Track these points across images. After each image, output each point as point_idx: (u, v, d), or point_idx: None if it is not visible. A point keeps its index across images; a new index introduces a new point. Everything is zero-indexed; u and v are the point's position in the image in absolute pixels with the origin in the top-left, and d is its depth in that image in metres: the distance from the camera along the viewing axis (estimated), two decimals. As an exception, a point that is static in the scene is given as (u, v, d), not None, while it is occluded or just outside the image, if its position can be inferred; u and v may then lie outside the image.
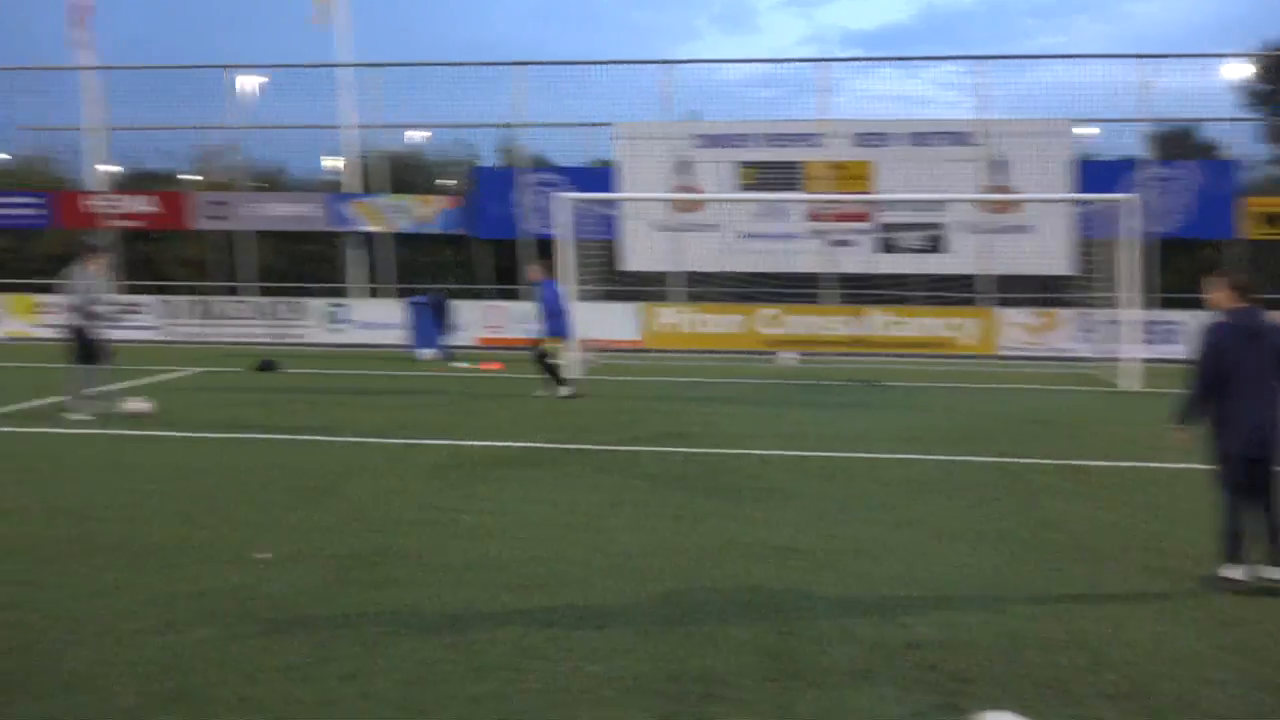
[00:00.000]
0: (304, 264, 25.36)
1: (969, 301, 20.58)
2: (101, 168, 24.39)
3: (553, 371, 13.09)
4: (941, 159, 20.74)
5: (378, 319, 21.08)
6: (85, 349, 11.27)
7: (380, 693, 4.08)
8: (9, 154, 28.42)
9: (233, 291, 23.04)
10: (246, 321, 21.66)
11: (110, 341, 11.64)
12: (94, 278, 11.53)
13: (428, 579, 5.55)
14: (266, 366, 16.29)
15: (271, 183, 26.40)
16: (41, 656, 4.39)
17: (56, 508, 7.06)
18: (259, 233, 23.77)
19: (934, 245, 21.02)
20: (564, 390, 12.90)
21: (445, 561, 5.87)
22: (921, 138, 20.92)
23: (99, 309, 11.46)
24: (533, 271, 13.90)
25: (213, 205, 23.00)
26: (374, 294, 22.66)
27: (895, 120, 21.18)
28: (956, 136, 20.82)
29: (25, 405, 12.09)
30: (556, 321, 13.20)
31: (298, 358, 18.40)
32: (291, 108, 23.45)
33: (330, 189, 24.59)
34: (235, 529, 6.52)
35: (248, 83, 23.87)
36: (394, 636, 4.69)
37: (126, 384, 14.02)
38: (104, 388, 11.57)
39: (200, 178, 26.85)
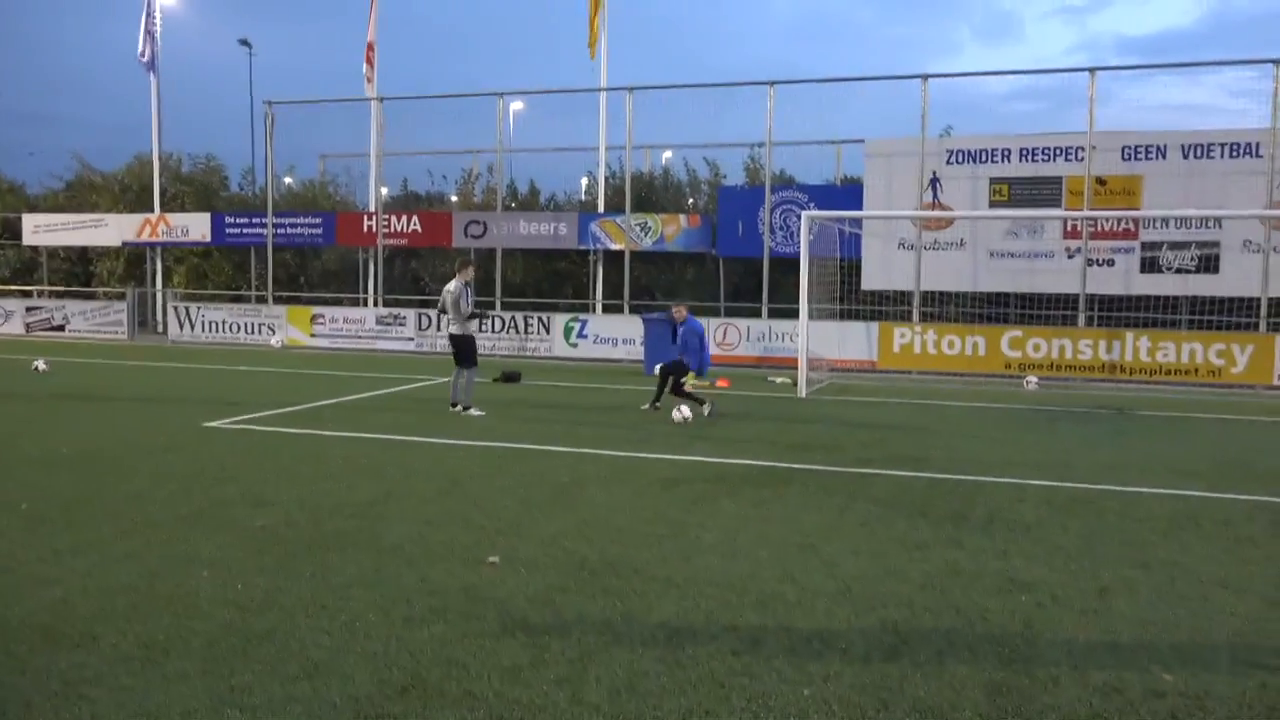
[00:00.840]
0: (553, 280, 26.51)
1: (1245, 326, 18.81)
2: (382, 190, 26.53)
3: (692, 397, 13.23)
4: (1222, 172, 19.11)
5: (615, 334, 21.68)
6: (465, 352, 12.98)
7: (590, 699, 4.18)
8: (300, 179, 31.53)
9: (486, 306, 24.37)
10: (494, 335, 22.84)
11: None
12: (466, 287, 13.14)
13: (647, 591, 5.64)
14: (509, 378, 17.11)
15: (527, 202, 27.80)
16: (292, 643, 4.78)
17: (312, 504, 7.68)
18: (514, 250, 25.05)
19: (1207, 265, 19.39)
20: (706, 409, 12.97)
21: (666, 575, 5.96)
22: (1199, 149, 19.35)
23: (468, 316, 13.11)
24: (678, 312, 13.98)
25: (472, 225, 24.43)
26: (616, 311, 23.33)
27: (1169, 131, 19.69)
28: (1241, 148, 19.12)
29: (294, 409, 13.26)
30: (695, 357, 13.37)
31: (538, 370, 19.22)
32: (550, 132, 24.65)
33: (584, 209, 25.61)
34: (470, 532, 6.88)
35: (512, 109, 25.31)
36: (608, 645, 4.80)
37: (380, 392, 15.12)
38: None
39: (459, 198, 28.72)
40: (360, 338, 23.81)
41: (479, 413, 12.74)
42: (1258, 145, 18.92)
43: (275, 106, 25.55)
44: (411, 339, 23.50)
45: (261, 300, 26.18)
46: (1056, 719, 4.07)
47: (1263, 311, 18.82)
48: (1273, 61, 18.86)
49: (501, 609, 5.29)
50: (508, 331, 22.84)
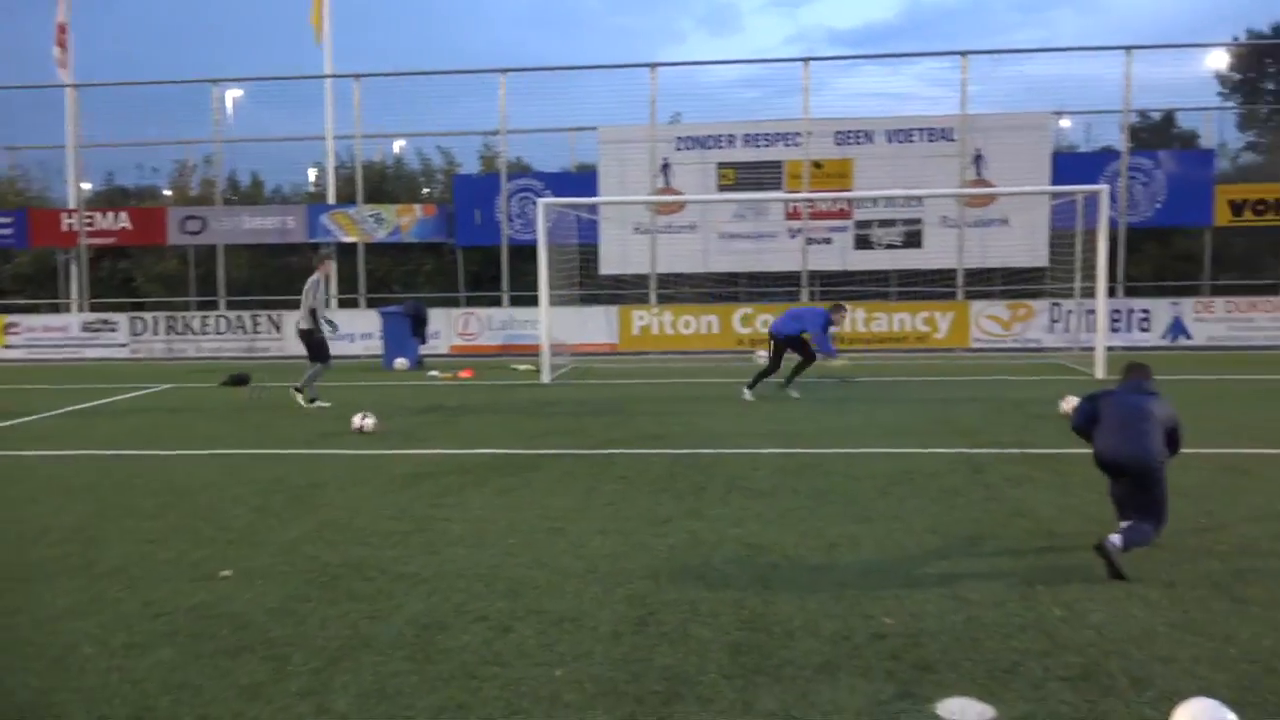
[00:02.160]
0: (282, 276, 25.29)
1: (945, 295, 20.64)
2: (83, 185, 24.29)
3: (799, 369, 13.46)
4: (922, 155, 20.84)
5: (352, 330, 21.01)
6: (313, 348, 13.02)
7: (337, 708, 4.03)
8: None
9: (209, 306, 22.91)
10: (219, 336, 21.54)
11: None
12: (321, 282, 13.08)
13: (393, 590, 5.50)
14: (238, 381, 16.19)
15: (251, 195, 26.31)
16: (-7, 681, 4.32)
17: (12, 533, 6.97)
18: (238, 246, 23.68)
19: (911, 241, 21.10)
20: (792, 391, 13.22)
21: (412, 572, 5.82)
22: (902, 134, 21.00)
23: (321, 311, 13.04)
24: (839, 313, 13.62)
25: (189, 220, 22.88)
26: (352, 305, 22.57)
27: (875, 118, 21.25)
28: (937, 132, 20.90)
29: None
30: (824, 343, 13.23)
31: (270, 370, 18.31)
32: (274, 120, 23.43)
33: (313, 201, 24.53)
34: (199, 547, 6.45)
35: (229, 97, 23.82)
36: (354, 650, 4.64)
37: (90, 404, 13.97)
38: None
39: (174, 193, 26.79)
40: (64, 347, 21.77)
41: (325, 404, 12.98)
42: (952, 130, 20.75)
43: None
44: (125, 345, 21.74)
45: (-56, 310, 23.41)
46: (793, 670, 4.31)
47: (959, 281, 20.71)
48: (960, 53, 20.71)
49: (237, 624, 5.00)
50: (234, 332, 21.59)
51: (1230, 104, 30.50)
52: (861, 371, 16.24)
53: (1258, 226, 21.02)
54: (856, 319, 19.80)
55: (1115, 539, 5.46)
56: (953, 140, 20.76)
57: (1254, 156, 26.61)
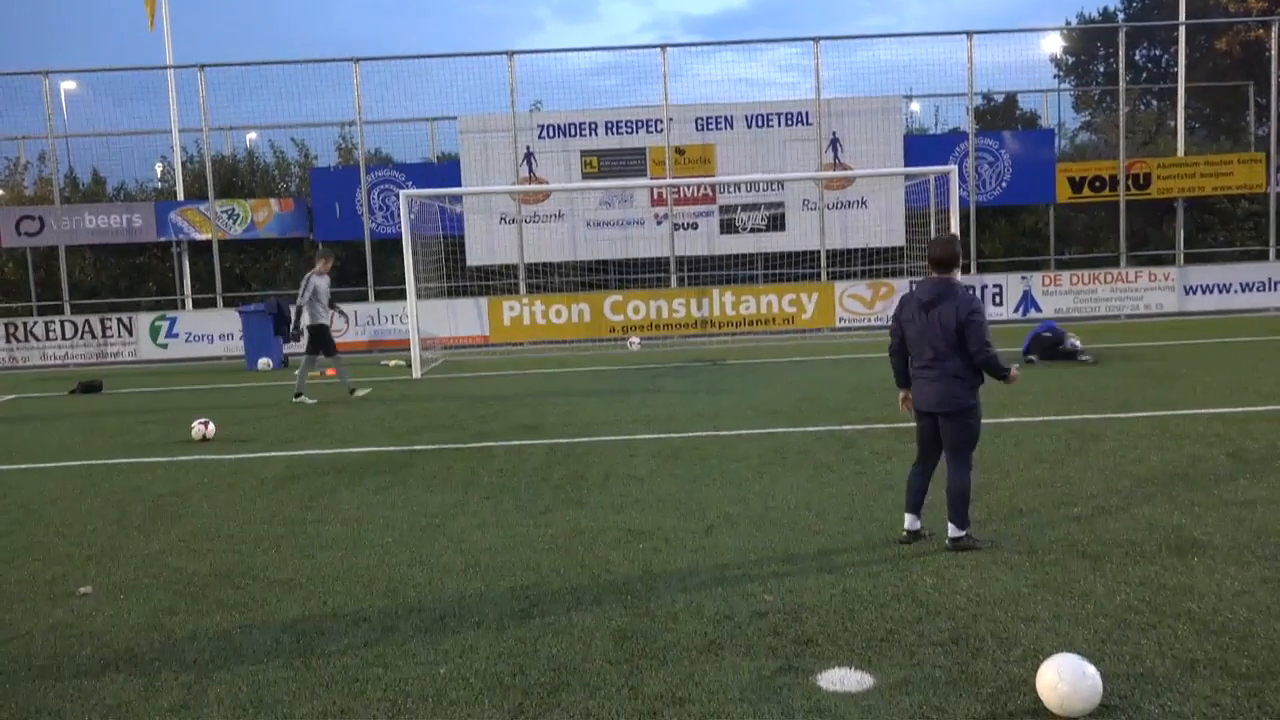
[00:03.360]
0: (131, 276, 24.13)
1: (809, 277, 21.15)
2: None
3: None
4: (781, 139, 21.23)
5: (210, 330, 20.22)
6: (325, 340, 13.15)
7: (212, 721, 3.89)
8: None
9: (56, 311, 21.68)
10: (65, 342, 20.43)
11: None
12: (313, 279, 13.07)
13: (266, 597, 5.34)
14: (88, 388, 15.41)
15: (93, 193, 24.96)
16: None
17: None
18: (82, 247, 22.47)
19: (775, 224, 21.52)
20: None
21: (286, 577, 5.66)
22: (761, 119, 21.35)
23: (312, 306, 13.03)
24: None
25: (25, 220, 21.58)
26: (209, 305, 21.69)
27: (735, 104, 21.52)
28: (795, 117, 21.32)
29: None
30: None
31: (123, 376, 17.51)
32: (114, 115, 22.22)
33: (161, 198, 23.45)
34: (55, 564, 6.13)
35: (64, 89, 22.52)
36: (228, 661, 4.49)
37: (-67, 417, 13.09)
38: None
39: (7, 191, 25.23)
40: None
41: (312, 401, 12.84)
42: (808, 114, 21.22)
43: None
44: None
45: None
46: (678, 652, 4.36)
47: (822, 262, 21.25)
48: (813, 39, 21.17)
49: (99, 643, 4.77)
50: (82, 337, 20.49)
51: (1065, 86, 32.13)
52: (730, 355, 16.52)
53: (1095, 202, 22.21)
54: (724, 302, 20.12)
55: (951, 530, 5.60)
56: (810, 124, 21.23)
57: (1089, 136, 28.13)
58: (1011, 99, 26.16)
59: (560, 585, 5.32)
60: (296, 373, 13.34)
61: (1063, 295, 20.64)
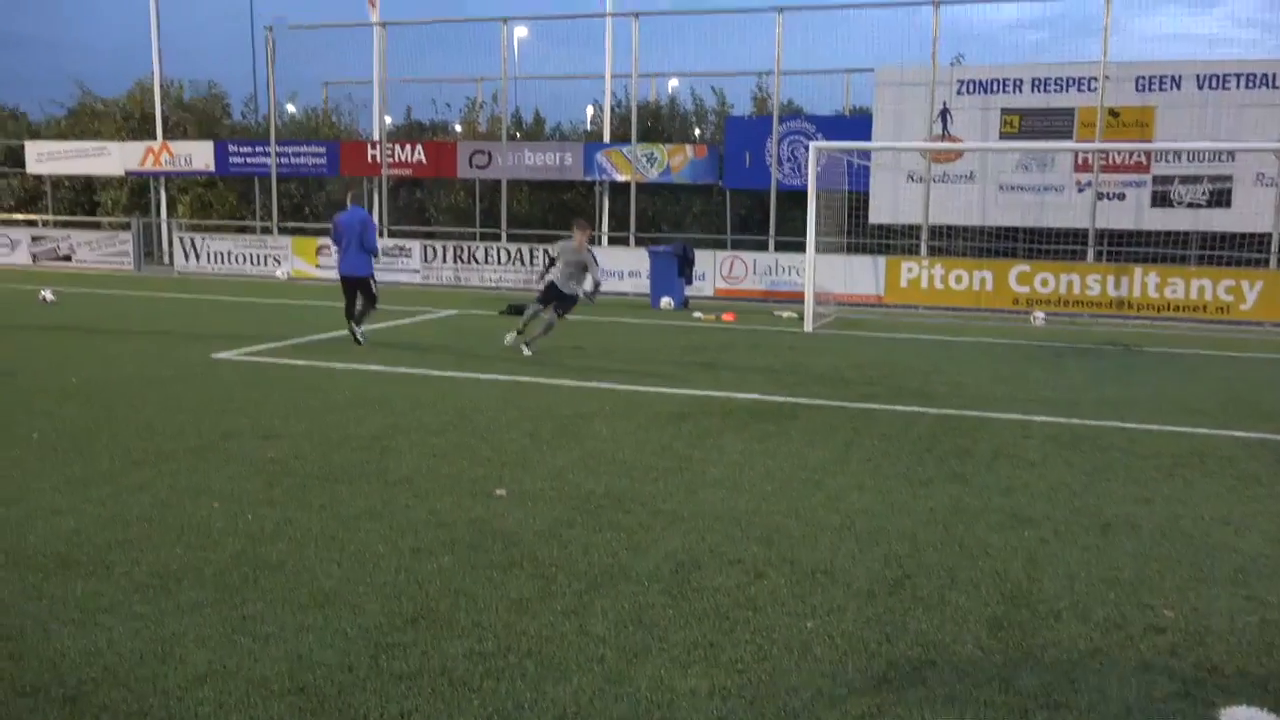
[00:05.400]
0: (559, 212, 26.36)
1: (1256, 263, 18.68)
2: (385, 119, 26.23)
3: None
4: (1237, 104, 18.80)
5: (621, 267, 21.61)
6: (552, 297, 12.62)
7: (596, 631, 4.24)
8: (302, 108, 31.19)
9: (494, 238, 24.24)
10: (500, 267, 22.76)
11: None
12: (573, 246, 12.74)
13: (652, 524, 5.70)
14: (516, 310, 17.08)
15: (533, 132, 27.48)
16: (303, 573, 4.84)
17: (320, 436, 7.73)
18: (520, 181, 24.86)
19: (1218, 200, 19.19)
20: None
21: (671, 509, 6.01)
22: (1215, 80, 18.99)
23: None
24: None
25: (477, 155, 24.21)
26: (622, 243, 23.20)
27: (1183, 61, 19.32)
28: (1257, 79, 18.77)
29: (303, 340, 13.29)
30: None
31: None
32: (558, 59, 24.25)
33: (590, 139, 25.33)
34: (477, 465, 6.93)
35: (517, 35, 24.91)
36: (614, 579, 4.86)
37: (385, 325, 15.13)
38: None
39: (464, 128, 28.41)
40: (366, 268, 23.72)
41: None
42: (1274, 76, 18.58)
43: (276, 31, 25.18)
44: (417, 271, 23.40)
45: (266, 231, 26.07)
46: (1057, 653, 4.13)
47: (1274, 247, 18.68)
48: (1292, -10, 18.46)
49: (508, 541, 5.34)
50: (513, 263, 22.75)
51: None
52: (1148, 341, 15.08)
53: None
54: (1147, 283, 18.32)
55: None
56: (1275, 88, 18.57)
57: None
58: None
59: (935, 561, 5.20)
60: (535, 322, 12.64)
61: None
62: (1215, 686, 3.85)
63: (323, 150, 25.63)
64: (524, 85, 29.31)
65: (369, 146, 25.25)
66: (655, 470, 6.89)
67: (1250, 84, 18.77)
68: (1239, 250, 18.94)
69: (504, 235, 23.78)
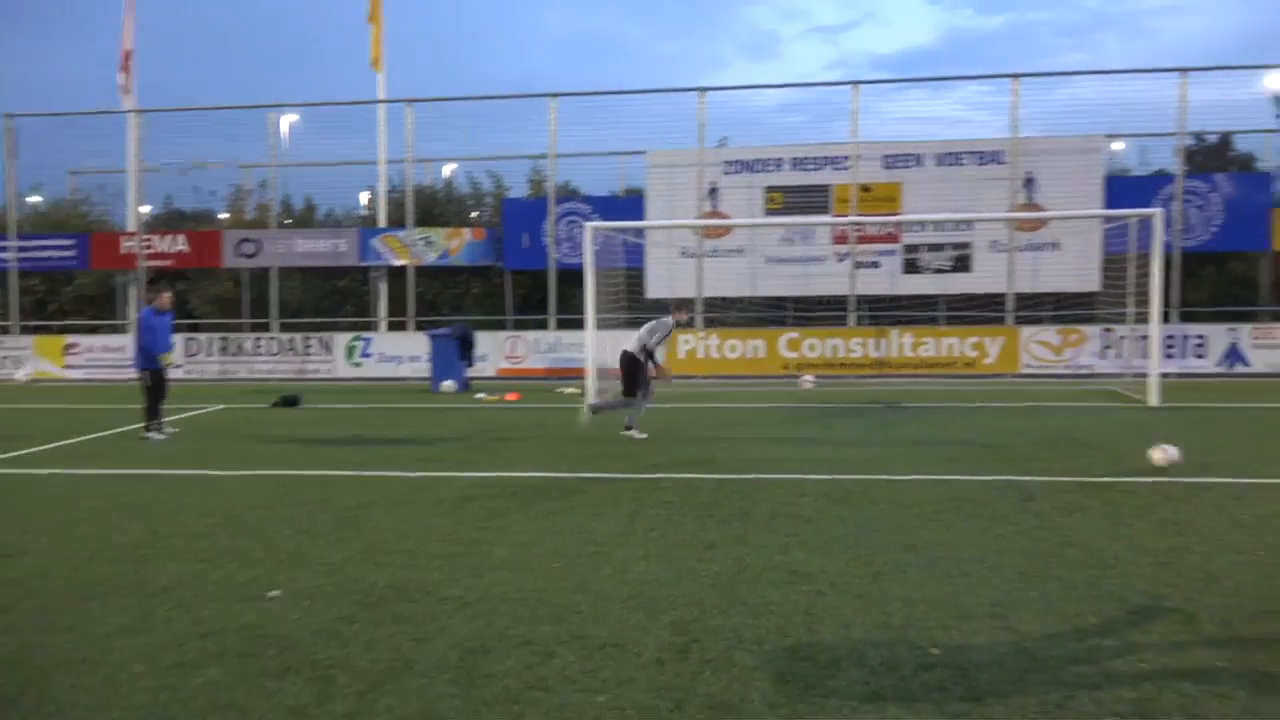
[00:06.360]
0: (333, 298, 25.68)
1: (994, 321, 20.42)
2: (142, 209, 24.87)
3: None
4: (971, 178, 20.68)
5: (400, 352, 21.21)
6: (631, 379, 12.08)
7: (380, 729, 4.05)
8: (49, 198, 29.17)
9: (262, 328, 23.29)
10: (271, 358, 21.87)
11: None
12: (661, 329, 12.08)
13: (438, 613, 5.53)
14: (288, 402, 16.43)
15: (304, 219, 26.75)
16: (45, 705, 4.40)
17: (68, 549, 7.11)
18: (291, 269, 24.07)
19: (961, 265, 20.91)
20: None
21: (457, 595, 5.85)
22: (952, 157, 20.86)
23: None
24: None
25: (244, 243, 23.31)
26: (401, 328, 22.80)
27: (924, 141, 21.11)
28: (987, 155, 20.74)
29: (45, 447, 12.26)
30: None
31: (319, 392, 18.56)
32: (328, 145, 23.81)
33: (364, 224, 24.90)
34: (248, 567, 6.54)
35: (285, 122, 24.31)
36: (399, 673, 4.66)
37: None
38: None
39: (230, 216, 27.33)
40: (123, 367, 22.19)
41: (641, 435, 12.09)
42: (1002, 153, 20.59)
43: (16, 120, 23.58)
44: (180, 366, 22.10)
45: (4, 331, 24.02)
46: (839, 701, 4.26)
47: (1009, 306, 20.48)
48: (1011, 76, 20.56)
49: (283, 645, 5.05)
50: (286, 354, 21.91)
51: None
52: (906, 397, 16.10)
53: (1317, 251, 20.56)
54: (903, 343, 19.65)
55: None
56: (1003, 163, 20.59)
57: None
58: (1225, 140, 24.58)
59: (721, 623, 5.29)
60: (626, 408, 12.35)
61: (1274, 349, 19.18)
62: (981, 715, 4.08)
63: (71, 243, 24.01)
64: (294, 172, 28.56)
65: (122, 238, 23.85)
66: (440, 557, 6.71)
67: (983, 160, 20.75)
68: (981, 310, 20.67)
69: (275, 325, 22.90)
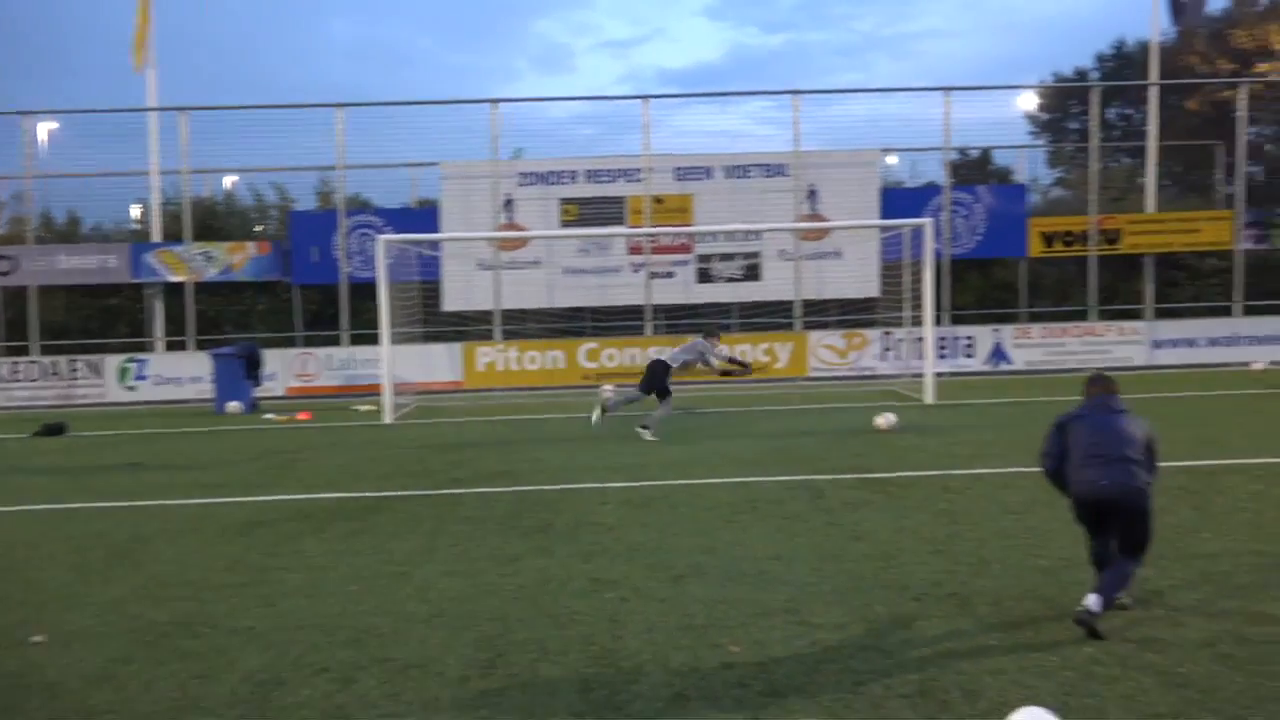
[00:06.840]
0: (103, 318, 23.97)
1: (784, 327, 21.26)
2: None
3: None
4: (758, 190, 21.45)
5: (180, 373, 20.06)
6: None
7: (162, 775, 3.79)
8: None
9: (20, 352, 21.47)
10: (31, 384, 20.22)
11: None
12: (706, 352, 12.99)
13: (227, 646, 5.23)
14: (51, 431, 15.21)
15: (67, 233, 24.85)
16: None
17: None
18: (54, 287, 22.32)
19: (751, 274, 21.65)
20: None
21: (248, 625, 5.56)
22: (740, 170, 21.58)
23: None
24: None
25: (-4, 260, 21.43)
26: (181, 348, 21.53)
27: (715, 154, 21.75)
28: (772, 168, 21.57)
29: None
30: None
31: (89, 419, 17.31)
32: (93, 155, 22.07)
33: (137, 239, 23.36)
34: (8, 611, 5.99)
35: (43, 130, 22.51)
36: (182, 713, 4.39)
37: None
38: None
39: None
40: None
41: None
42: (786, 166, 21.47)
43: None
44: (-73, 395, 20.13)
45: None
46: (643, 705, 4.30)
47: (797, 312, 21.37)
48: (793, 93, 21.49)
49: (51, 693, 4.65)
50: (49, 378, 20.29)
51: (1039, 142, 32.67)
52: (704, 402, 16.52)
53: (1067, 257, 22.51)
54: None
55: (1093, 602, 4.89)
56: (787, 176, 21.48)
57: (1061, 191, 28.60)
58: (986, 154, 26.60)
59: (526, 636, 5.24)
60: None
61: (1033, 347, 20.84)
62: (779, 708, 4.22)
63: None
64: (56, 184, 26.47)
65: None
66: (228, 587, 6.36)
67: (769, 173, 21.58)
68: (771, 317, 21.49)
69: (35, 348, 21.17)
